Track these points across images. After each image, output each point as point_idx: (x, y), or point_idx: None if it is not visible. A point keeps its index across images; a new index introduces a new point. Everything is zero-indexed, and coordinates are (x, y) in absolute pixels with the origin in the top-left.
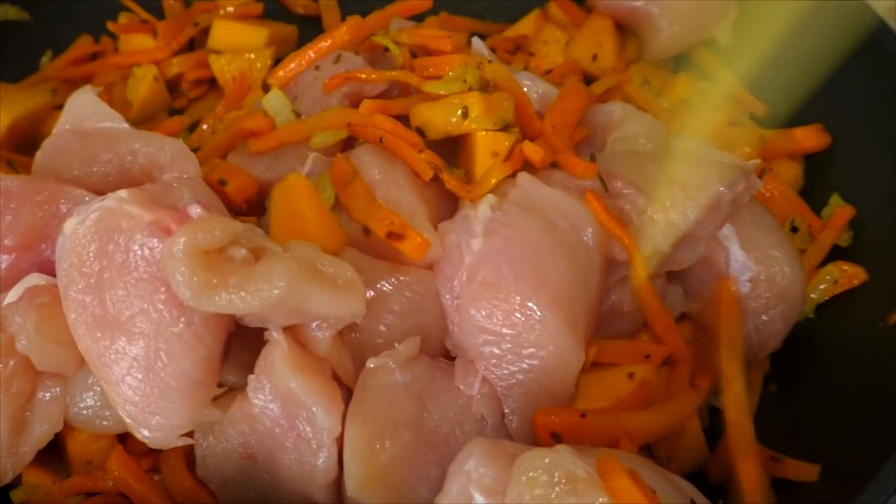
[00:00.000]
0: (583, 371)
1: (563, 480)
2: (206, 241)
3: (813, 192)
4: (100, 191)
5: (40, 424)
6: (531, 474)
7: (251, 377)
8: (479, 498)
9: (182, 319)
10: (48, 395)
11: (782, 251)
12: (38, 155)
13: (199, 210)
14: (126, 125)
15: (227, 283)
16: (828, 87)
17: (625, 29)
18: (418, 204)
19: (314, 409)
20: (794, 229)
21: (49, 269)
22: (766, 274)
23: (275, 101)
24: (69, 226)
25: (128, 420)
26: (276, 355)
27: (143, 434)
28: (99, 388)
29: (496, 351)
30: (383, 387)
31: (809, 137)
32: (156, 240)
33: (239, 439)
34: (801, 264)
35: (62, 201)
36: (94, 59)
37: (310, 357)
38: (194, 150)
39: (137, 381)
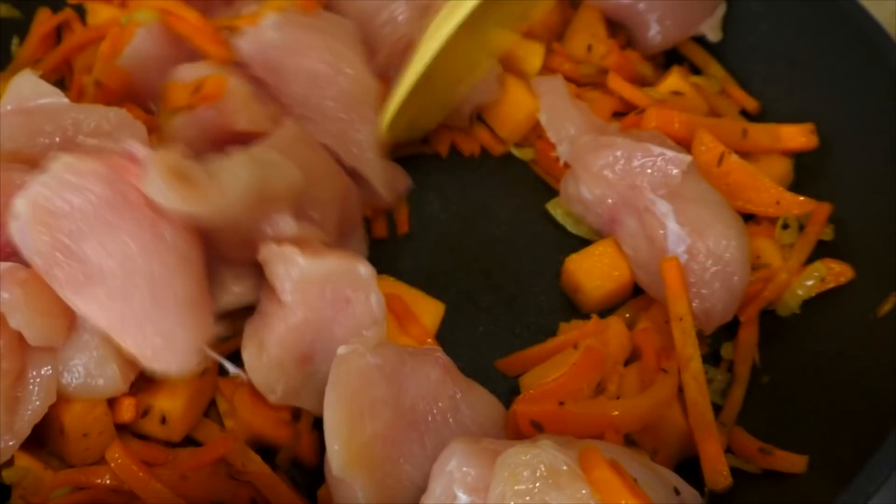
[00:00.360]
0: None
1: (546, 474)
2: (174, 160)
3: (803, 187)
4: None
5: (34, 399)
6: (514, 470)
7: (283, 288)
8: (462, 496)
9: (161, 245)
10: (39, 371)
11: (720, 223)
12: None
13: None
14: (66, 100)
15: (202, 186)
16: (821, 85)
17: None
18: None
19: (356, 267)
20: (786, 226)
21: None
22: (703, 245)
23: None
24: (21, 206)
25: (138, 353)
26: (291, 257)
27: (155, 365)
28: (86, 356)
29: None
30: (356, 370)
31: (796, 136)
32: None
33: (289, 348)
34: (740, 234)
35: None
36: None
37: (308, 245)
38: None
39: (136, 315)
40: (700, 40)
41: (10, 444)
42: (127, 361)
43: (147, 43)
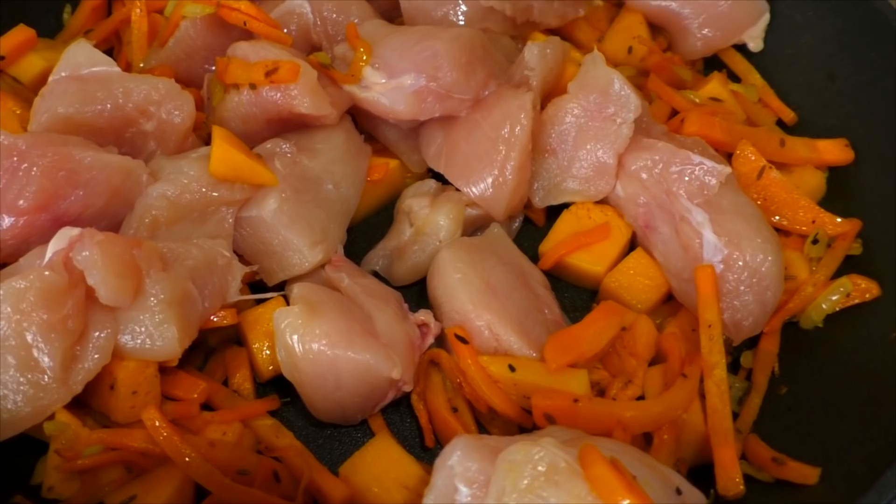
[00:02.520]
0: None
1: (545, 472)
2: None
3: (834, 201)
4: (96, 125)
5: (91, 357)
6: (514, 466)
7: None
8: (463, 489)
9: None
10: (100, 332)
11: (756, 236)
12: (37, 101)
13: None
14: (118, 69)
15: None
16: (860, 101)
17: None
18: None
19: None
20: (816, 241)
21: (63, 222)
22: (739, 257)
23: None
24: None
25: None
26: None
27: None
28: (149, 318)
29: None
30: None
31: (832, 151)
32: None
33: None
34: (776, 249)
35: (69, 165)
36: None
37: None
38: None
39: None
40: (741, 48)
41: (61, 398)
42: (184, 328)
43: (192, 32)
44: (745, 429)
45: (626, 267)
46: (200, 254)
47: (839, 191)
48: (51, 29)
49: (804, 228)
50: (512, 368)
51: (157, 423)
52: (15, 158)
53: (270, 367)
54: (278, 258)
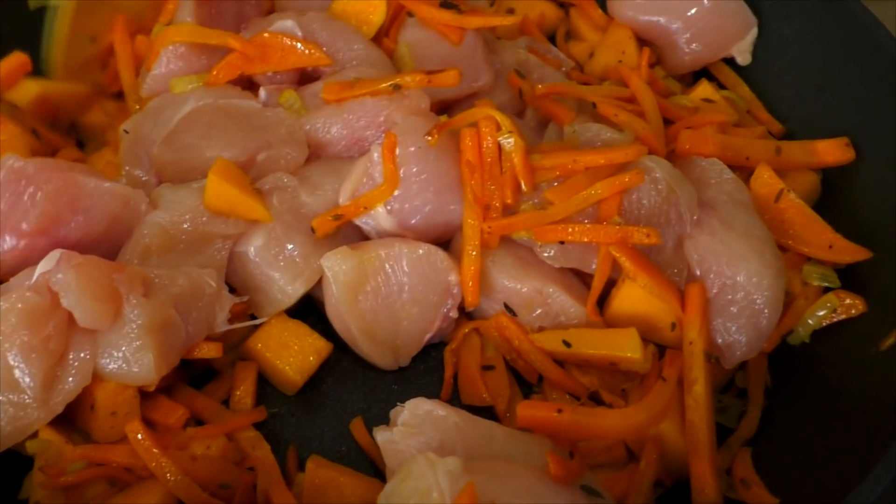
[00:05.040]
0: None
1: (421, 493)
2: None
3: (831, 203)
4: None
5: (72, 378)
6: (408, 476)
7: None
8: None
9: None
10: (79, 353)
11: (758, 260)
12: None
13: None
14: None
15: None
16: (847, 113)
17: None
18: None
19: None
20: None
21: (63, 247)
22: (732, 277)
23: None
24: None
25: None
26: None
27: None
28: (127, 343)
29: None
30: None
31: (832, 150)
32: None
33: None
34: (779, 276)
35: (73, 191)
36: None
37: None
38: None
39: None
40: (729, 62)
41: (42, 417)
42: (162, 354)
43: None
44: (736, 443)
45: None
46: (187, 281)
47: (836, 191)
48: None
49: (821, 253)
50: (567, 344)
51: (140, 437)
52: (22, 182)
53: (299, 377)
54: (264, 293)
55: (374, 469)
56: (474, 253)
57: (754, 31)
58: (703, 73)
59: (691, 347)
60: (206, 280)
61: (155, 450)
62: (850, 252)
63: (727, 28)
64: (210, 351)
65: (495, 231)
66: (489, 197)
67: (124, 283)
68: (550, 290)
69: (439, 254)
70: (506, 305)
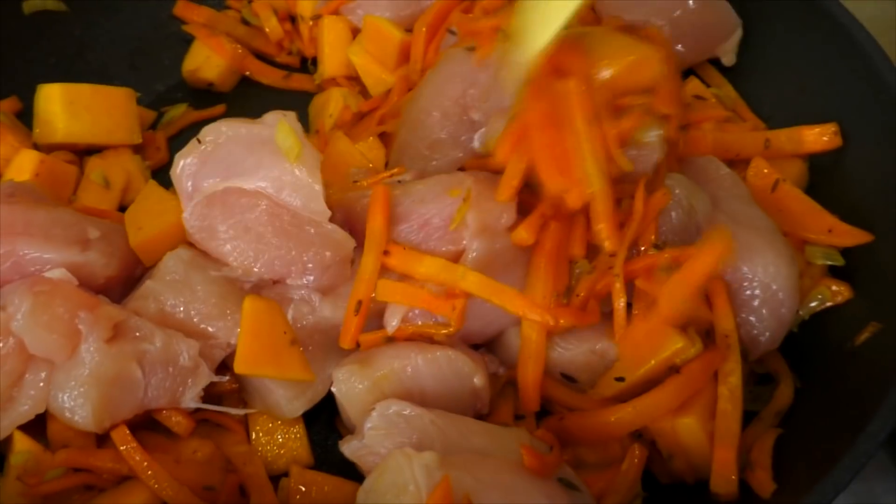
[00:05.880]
0: None
1: (397, 486)
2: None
3: (820, 188)
4: None
5: (24, 403)
6: (386, 470)
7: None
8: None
9: None
10: (37, 377)
11: (771, 251)
12: None
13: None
14: None
15: None
16: (827, 113)
17: None
18: None
19: None
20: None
21: None
22: (751, 271)
23: None
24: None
25: None
26: None
27: None
28: (72, 387)
29: None
30: None
31: (818, 138)
32: None
33: None
34: (792, 264)
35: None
36: None
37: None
38: None
39: None
40: (714, 62)
41: None
42: (106, 409)
43: None
44: (769, 417)
45: None
46: (162, 345)
47: (824, 177)
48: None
49: (822, 238)
50: (621, 379)
51: (125, 443)
52: None
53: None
54: (260, 398)
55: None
56: (535, 361)
57: (739, 33)
58: (688, 72)
59: (727, 340)
60: (183, 350)
61: (139, 457)
62: (850, 235)
63: (712, 29)
64: (180, 424)
65: (564, 323)
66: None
67: (87, 323)
68: (601, 344)
69: (460, 359)
70: (563, 375)
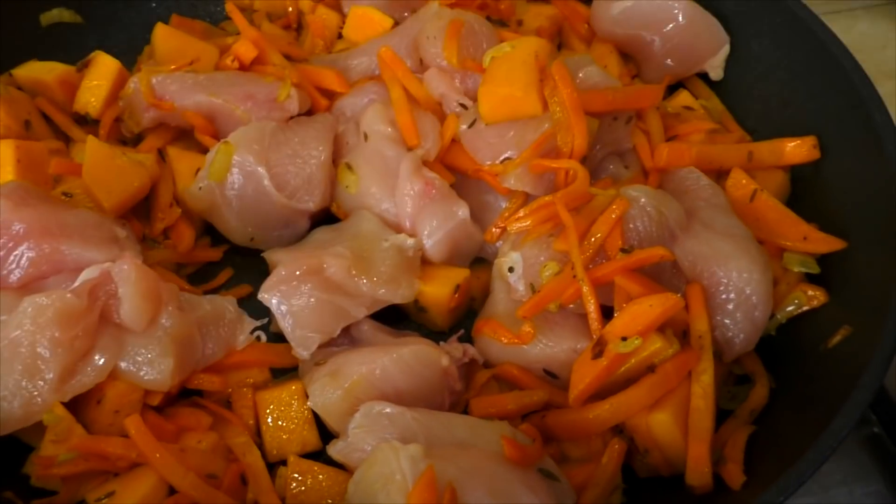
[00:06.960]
0: None
1: (384, 476)
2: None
3: (801, 199)
4: None
5: (87, 376)
6: (373, 462)
7: None
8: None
9: None
10: (103, 355)
11: (745, 257)
12: None
13: None
14: None
15: None
16: (809, 126)
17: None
18: None
19: None
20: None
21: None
22: (729, 279)
23: None
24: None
25: None
26: None
27: None
28: (153, 347)
29: None
30: None
31: (798, 150)
32: None
33: None
34: (766, 270)
35: (57, 257)
36: None
37: None
38: None
39: None
40: (702, 76)
41: (48, 401)
42: (180, 365)
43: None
44: (744, 415)
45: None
46: (210, 306)
47: (805, 188)
48: None
49: (798, 245)
50: None
51: (138, 430)
52: (10, 244)
53: (275, 453)
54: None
55: None
56: None
57: (727, 48)
58: (678, 85)
59: (700, 341)
60: (226, 306)
61: (149, 443)
62: (825, 242)
63: (701, 44)
64: (213, 383)
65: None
66: None
67: (167, 293)
68: (581, 344)
69: (422, 350)
70: (546, 371)
